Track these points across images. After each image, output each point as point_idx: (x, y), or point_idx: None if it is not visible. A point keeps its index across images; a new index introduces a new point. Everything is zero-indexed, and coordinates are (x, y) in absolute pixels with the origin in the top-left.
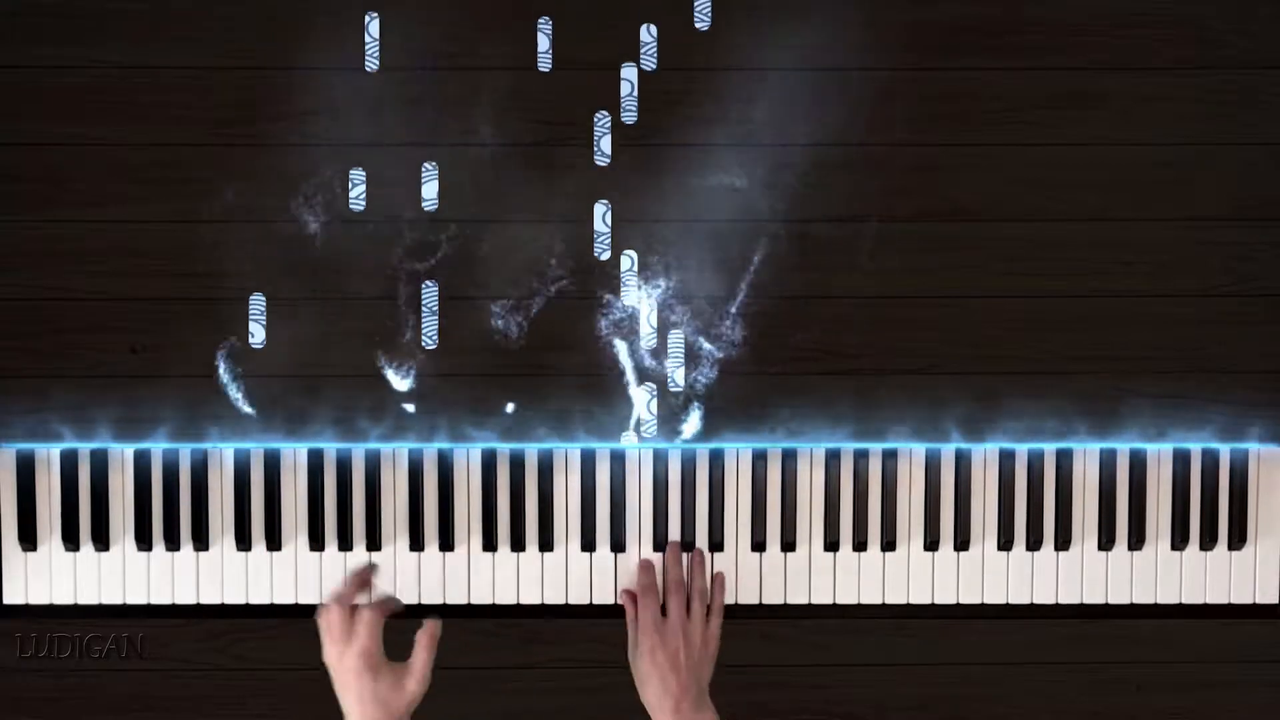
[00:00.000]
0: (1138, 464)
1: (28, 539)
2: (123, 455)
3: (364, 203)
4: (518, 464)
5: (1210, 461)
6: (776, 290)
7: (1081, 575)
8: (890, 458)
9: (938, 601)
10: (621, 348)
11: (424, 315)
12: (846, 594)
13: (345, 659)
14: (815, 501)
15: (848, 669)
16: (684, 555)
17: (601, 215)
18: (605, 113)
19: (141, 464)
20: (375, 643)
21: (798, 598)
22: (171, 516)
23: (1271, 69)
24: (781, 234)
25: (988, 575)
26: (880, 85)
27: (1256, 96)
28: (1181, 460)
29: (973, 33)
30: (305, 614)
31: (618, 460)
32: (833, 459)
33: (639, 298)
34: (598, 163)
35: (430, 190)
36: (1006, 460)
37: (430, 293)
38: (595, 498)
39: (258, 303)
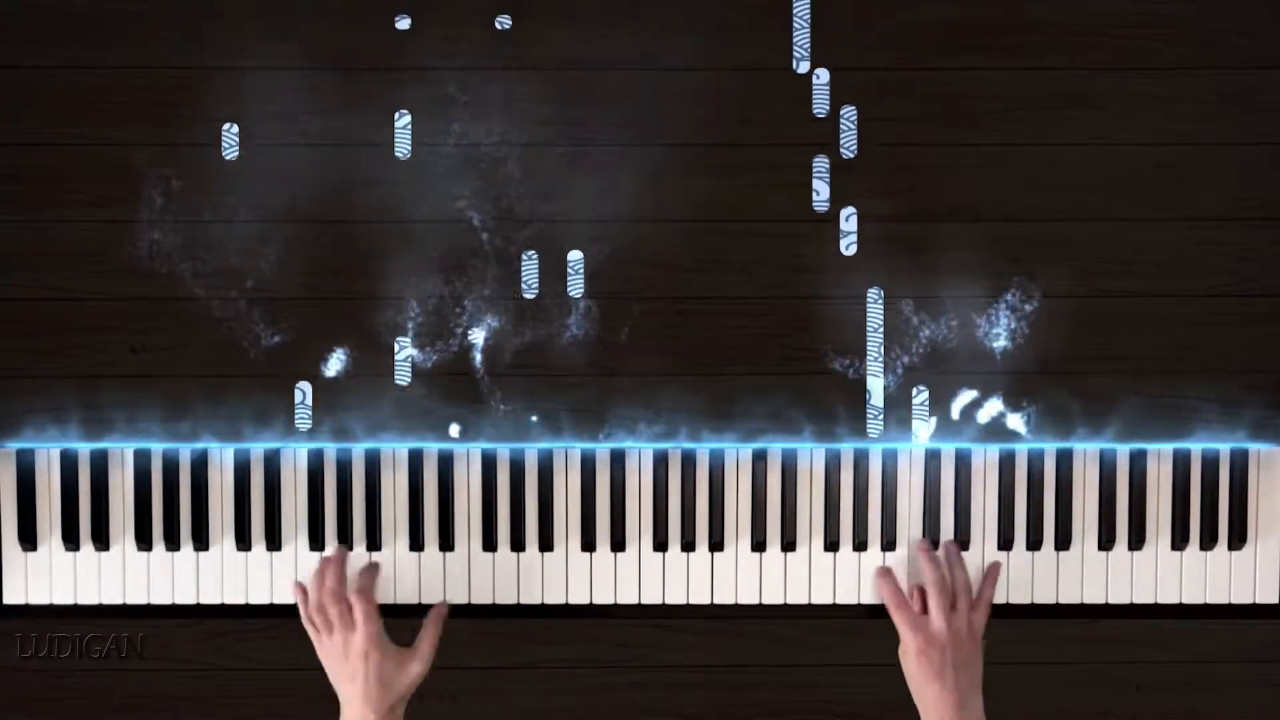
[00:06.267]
0: (1138, 464)
1: (28, 539)
2: (123, 455)
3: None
4: (518, 464)
5: (1210, 461)
6: (774, 291)
7: (1081, 575)
8: (890, 458)
9: None
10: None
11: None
12: (846, 594)
13: (353, 644)
14: (815, 501)
15: (848, 669)
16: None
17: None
18: None
19: (141, 464)
20: (379, 623)
21: (798, 598)
22: (171, 516)
23: (1271, 69)
24: (778, 234)
25: None
26: (880, 85)
27: (1256, 96)
28: (1181, 460)
29: (973, 33)
30: None
31: (618, 460)
32: (833, 459)
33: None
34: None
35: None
36: (1007, 460)
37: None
38: (595, 498)
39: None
